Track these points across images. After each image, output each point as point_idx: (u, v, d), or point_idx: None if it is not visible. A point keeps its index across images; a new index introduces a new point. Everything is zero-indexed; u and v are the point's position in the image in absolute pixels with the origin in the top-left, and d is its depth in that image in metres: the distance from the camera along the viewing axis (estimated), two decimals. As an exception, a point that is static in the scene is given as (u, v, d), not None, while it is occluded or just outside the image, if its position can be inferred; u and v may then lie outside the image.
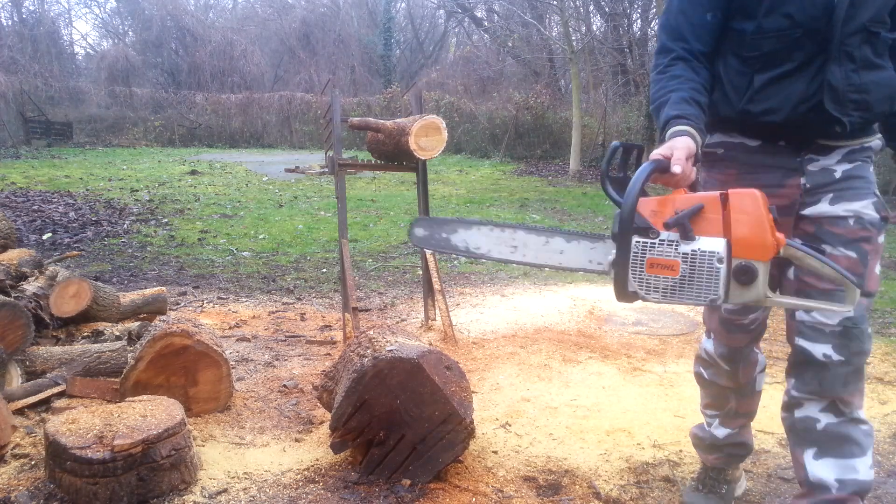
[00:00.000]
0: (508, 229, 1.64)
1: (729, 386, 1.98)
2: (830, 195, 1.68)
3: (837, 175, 1.68)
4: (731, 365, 1.93)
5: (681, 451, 2.44)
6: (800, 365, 1.72)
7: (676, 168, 1.43)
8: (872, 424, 1.74)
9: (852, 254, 1.64)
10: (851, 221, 1.65)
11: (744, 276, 1.33)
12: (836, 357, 1.64)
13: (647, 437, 2.54)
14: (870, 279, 1.65)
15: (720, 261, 1.33)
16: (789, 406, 1.75)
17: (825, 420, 1.68)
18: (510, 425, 2.63)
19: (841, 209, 1.66)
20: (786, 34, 1.58)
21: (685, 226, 1.34)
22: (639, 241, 1.37)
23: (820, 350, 1.66)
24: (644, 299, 1.38)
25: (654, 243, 1.37)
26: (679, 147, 1.46)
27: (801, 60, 1.59)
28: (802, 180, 1.69)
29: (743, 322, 1.85)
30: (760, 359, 1.98)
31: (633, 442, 2.51)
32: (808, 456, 1.70)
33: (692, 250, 1.34)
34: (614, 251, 1.41)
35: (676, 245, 1.35)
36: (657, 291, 1.37)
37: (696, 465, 2.29)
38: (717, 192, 1.38)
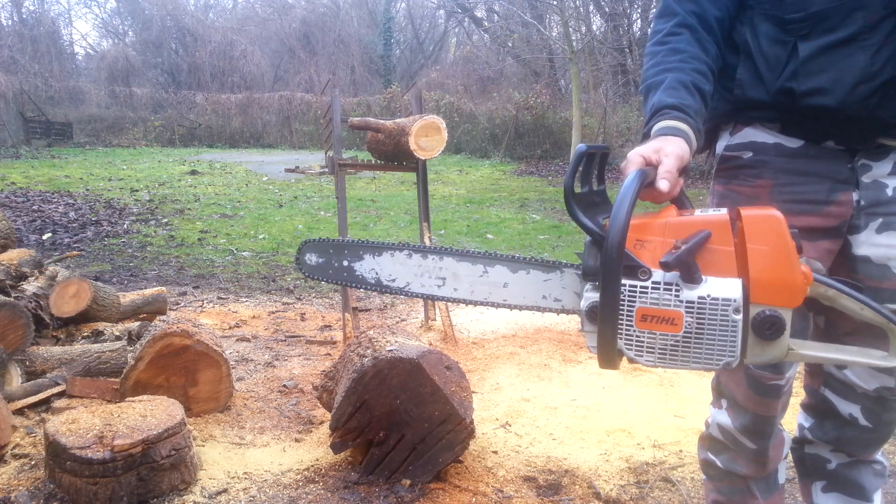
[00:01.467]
0: (433, 256, 1.27)
1: (751, 475, 1.53)
2: (879, 220, 1.30)
3: (890, 192, 1.29)
4: (759, 441, 1.48)
5: (681, 451, 2.44)
6: (821, 412, 1.50)
7: (663, 184, 1.07)
8: (887, 462, 1.57)
9: None
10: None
11: (769, 329, 1.01)
12: (862, 422, 1.42)
13: (647, 437, 2.54)
14: None
15: (737, 311, 1.00)
16: (801, 441, 1.59)
17: (836, 461, 1.53)
18: (510, 425, 2.63)
19: (886, 241, 1.30)
20: None
21: (690, 265, 1.00)
22: (625, 285, 1.02)
23: (847, 409, 1.44)
24: (633, 361, 1.06)
25: (647, 288, 1.02)
26: (669, 153, 1.11)
27: (862, 24, 1.20)
28: (855, 195, 1.31)
29: (779, 383, 1.42)
30: (786, 436, 1.56)
31: (633, 442, 2.51)
32: (817, 488, 1.59)
33: (699, 297, 1.00)
34: (587, 292, 1.07)
35: (678, 290, 1.01)
36: (652, 353, 1.04)
37: (696, 465, 2.29)
38: (725, 212, 1.04)
